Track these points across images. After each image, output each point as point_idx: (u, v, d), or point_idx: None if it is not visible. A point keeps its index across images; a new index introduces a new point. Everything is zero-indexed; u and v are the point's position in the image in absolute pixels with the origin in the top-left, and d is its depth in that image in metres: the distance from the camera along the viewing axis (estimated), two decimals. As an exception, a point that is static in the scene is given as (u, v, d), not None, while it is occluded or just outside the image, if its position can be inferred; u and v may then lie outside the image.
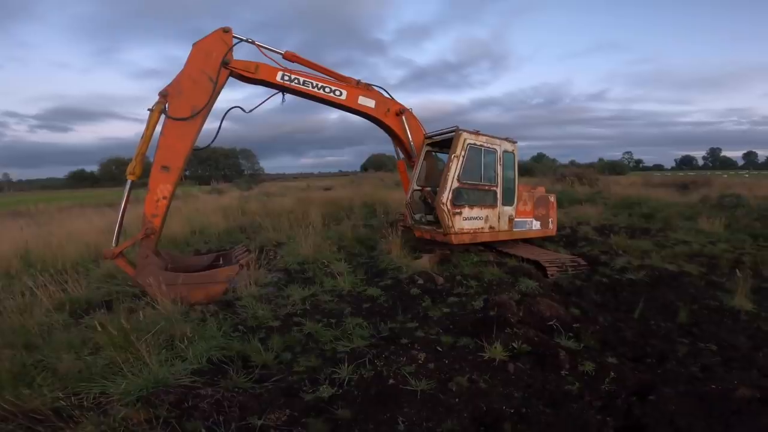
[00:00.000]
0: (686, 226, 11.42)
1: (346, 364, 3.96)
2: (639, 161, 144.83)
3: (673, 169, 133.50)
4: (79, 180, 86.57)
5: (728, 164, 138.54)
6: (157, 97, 6.01)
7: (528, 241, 9.28)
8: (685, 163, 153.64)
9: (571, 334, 4.74)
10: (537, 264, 7.62)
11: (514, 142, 8.47)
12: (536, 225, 8.99)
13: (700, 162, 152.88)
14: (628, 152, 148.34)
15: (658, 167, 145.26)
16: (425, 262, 7.59)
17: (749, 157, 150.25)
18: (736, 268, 6.73)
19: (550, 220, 9.27)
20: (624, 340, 4.71)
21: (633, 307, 5.68)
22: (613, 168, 55.71)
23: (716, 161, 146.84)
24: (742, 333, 4.91)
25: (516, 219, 8.47)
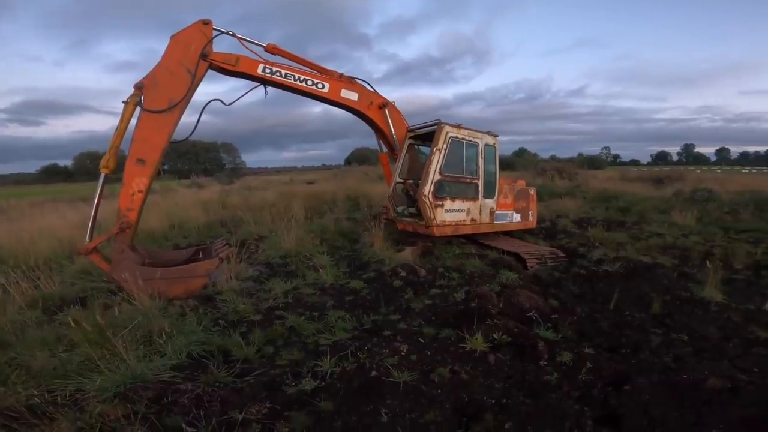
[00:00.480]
0: (660, 219, 11.75)
1: (328, 357, 3.96)
2: (616, 156, 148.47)
3: (648, 164, 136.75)
4: (52, 174, 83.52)
5: (701, 160, 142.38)
6: (132, 90, 5.85)
7: (508, 234, 9.41)
8: (661, 158, 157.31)
9: (549, 325, 4.83)
10: (517, 256, 7.74)
11: (496, 136, 8.54)
12: (517, 217, 9.12)
13: (675, 158, 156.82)
14: (606, 147, 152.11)
15: (635, 162, 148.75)
16: (408, 254, 7.63)
17: (722, 153, 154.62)
18: (707, 260, 6.94)
19: (530, 212, 9.41)
20: (600, 330, 4.82)
21: (609, 298, 5.80)
22: (592, 163, 57.05)
23: (690, 157, 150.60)
24: (713, 323, 5.04)
25: (497, 211, 8.58)
